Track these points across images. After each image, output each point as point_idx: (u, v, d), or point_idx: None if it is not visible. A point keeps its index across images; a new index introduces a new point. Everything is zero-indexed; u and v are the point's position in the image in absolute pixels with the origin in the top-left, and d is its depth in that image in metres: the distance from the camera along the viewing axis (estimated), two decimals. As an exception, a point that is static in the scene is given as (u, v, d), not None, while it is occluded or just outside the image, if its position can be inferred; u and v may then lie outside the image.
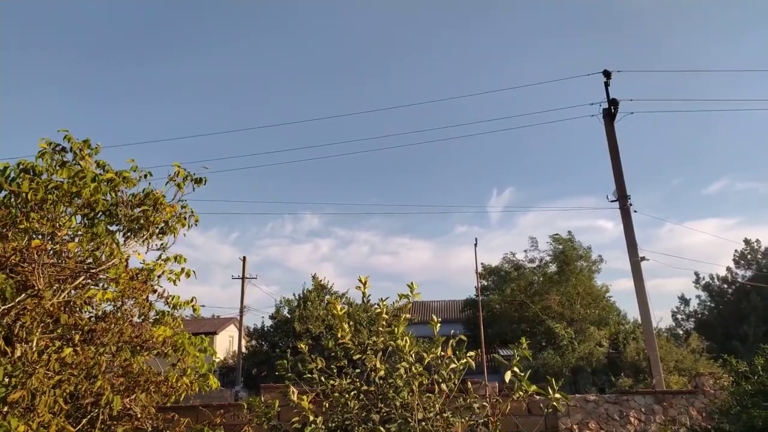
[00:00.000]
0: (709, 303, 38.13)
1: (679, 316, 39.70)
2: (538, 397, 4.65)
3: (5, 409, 4.60)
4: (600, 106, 16.07)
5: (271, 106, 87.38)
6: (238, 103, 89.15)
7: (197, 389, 6.34)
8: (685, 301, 39.75)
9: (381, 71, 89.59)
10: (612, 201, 15.45)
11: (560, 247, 30.15)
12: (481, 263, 33.37)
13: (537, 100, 76.42)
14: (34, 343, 5.18)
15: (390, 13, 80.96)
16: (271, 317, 31.46)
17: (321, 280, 32.09)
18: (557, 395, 4.59)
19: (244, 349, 32.39)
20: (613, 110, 15.83)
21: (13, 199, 5.43)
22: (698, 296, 38.89)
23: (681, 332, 35.89)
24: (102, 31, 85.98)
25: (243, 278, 34.22)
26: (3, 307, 4.99)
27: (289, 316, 30.23)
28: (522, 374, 4.58)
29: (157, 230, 5.97)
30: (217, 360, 6.94)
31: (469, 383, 5.28)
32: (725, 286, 37.24)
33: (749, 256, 36.51)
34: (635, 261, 14.64)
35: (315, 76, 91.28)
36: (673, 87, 73.83)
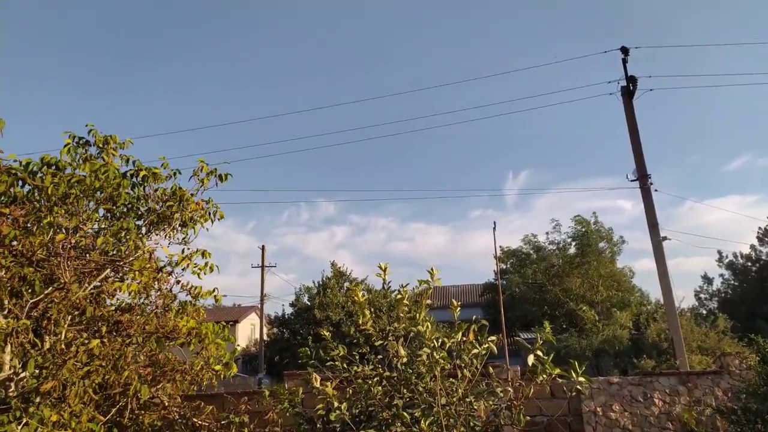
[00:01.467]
0: (732, 281, 37.60)
1: (702, 296, 39.28)
2: (561, 380, 4.62)
3: (37, 399, 4.71)
4: (618, 84, 15.77)
5: (285, 95, 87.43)
6: (251, 92, 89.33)
7: (222, 377, 6.43)
8: (708, 280, 39.29)
9: (394, 56, 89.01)
10: (632, 180, 15.22)
11: (582, 228, 29.86)
12: (500, 246, 33.19)
13: (552, 81, 75.33)
14: (63, 335, 5.28)
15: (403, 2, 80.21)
16: (292, 305, 31.78)
17: (339, 267, 32.25)
18: (581, 378, 4.57)
19: (265, 337, 32.75)
20: (631, 87, 15.51)
21: (36, 194, 5.51)
22: (721, 275, 38.42)
23: (704, 312, 35.48)
24: (114, 25, 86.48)
25: (263, 267, 34.47)
26: (31, 300, 5.09)
27: (309, 303, 30.47)
28: (545, 357, 4.56)
29: (179, 224, 6.04)
30: (239, 348, 7.03)
31: (490, 367, 5.27)
32: (749, 264, 36.67)
33: (774, 233, 35.82)
34: (657, 241, 14.43)
35: (326, 64, 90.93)
36: (691, 64, 72.19)
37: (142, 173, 5.93)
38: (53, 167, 5.64)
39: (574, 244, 30.44)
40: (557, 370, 4.53)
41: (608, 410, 8.61)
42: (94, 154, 5.99)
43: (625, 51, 15.65)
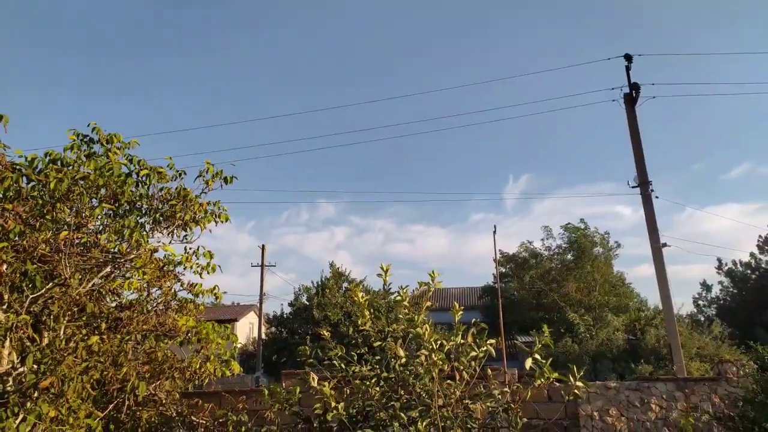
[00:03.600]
0: (731, 289, 37.63)
1: (700, 303, 39.32)
2: (558, 384, 4.65)
3: (35, 394, 4.72)
4: (621, 91, 15.80)
5: (288, 96, 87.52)
6: (253, 93, 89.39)
7: (220, 375, 6.45)
8: (707, 287, 39.32)
9: (397, 60, 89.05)
10: (633, 187, 15.24)
11: (574, 235, 29.98)
12: (500, 250, 33.23)
13: (555, 86, 75.44)
14: (61, 331, 5.30)
15: (410, 7, 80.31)
16: (290, 304, 31.77)
17: (338, 268, 32.27)
18: (578, 382, 4.59)
19: (263, 336, 32.75)
20: (634, 95, 15.56)
21: (39, 190, 5.53)
22: (720, 282, 38.46)
23: (703, 319, 35.47)
24: (112, 27, 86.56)
25: (262, 266, 34.50)
26: (32, 296, 5.10)
27: (307, 303, 30.46)
28: (543, 361, 4.58)
29: (182, 223, 6.06)
30: (237, 346, 7.06)
31: (488, 370, 5.29)
32: (748, 272, 36.68)
33: (774, 242, 35.84)
34: (656, 247, 14.45)
35: (331, 65, 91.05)
36: (695, 72, 72.28)
37: (144, 172, 5.95)
38: (57, 164, 5.66)
39: (568, 250, 30.55)
40: (555, 374, 4.55)
41: (605, 415, 8.62)
42: (98, 152, 6.02)
43: (628, 58, 15.69)
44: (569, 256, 30.40)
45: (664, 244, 14.56)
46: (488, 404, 4.93)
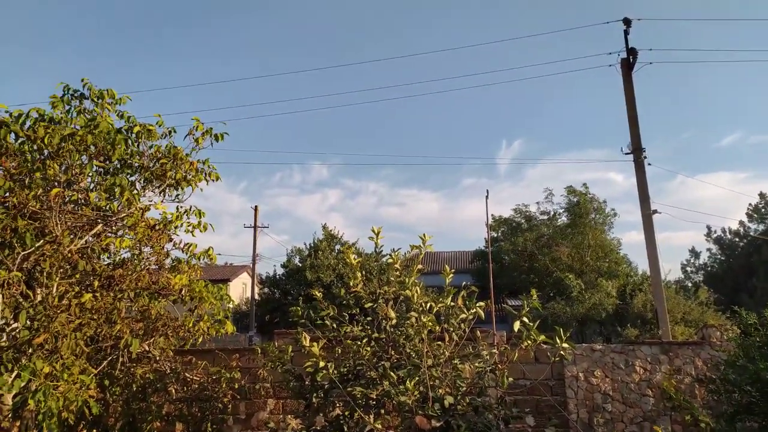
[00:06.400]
0: (719, 256, 38.09)
1: (688, 269, 39.84)
2: (545, 346, 4.74)
3: (30, 351, 4.76)
4: (618, 56, 15.60)
5: (280, 57, 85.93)
6: (246, 53, 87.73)
7: (214, 333, 6.53)
8: (695, 254, 39.80)
9: (392, 22, 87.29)
10: (626, 153, 15.20)
11: (575, 199, 30.02)
12: (492, 215, 33.40)
13: (551, 52, 74.31)
14: (54, 288, 5.31)
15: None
16: (283, 266, 31.91)
17: (331, 230, 32.36)
18: (564, 344, 4.67)
19: (256, 296, 33.04)
20: (631, 60, 15.36)
21: (28, 146, 5.46)
22: (709, 249, 38.90)
23: (690, 285, 35.99)
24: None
25: (255, 227, 34.56)
26: (23, 253, 5.10)
27: (300, 264, 30.63)
28: (531, 324, 4.64)
29: (173, 182, 6.02)
30: (231, 306, 7.13)
31: (477, 332, 5.38)
32: (737, 239, 37.08)
33: (763, 210, 36.13)
34: (647, 214, 14.53)
35: (324, 27, 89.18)
36: (688, 39, 71.32)
37: (136, 129, 5.87)
38: (45, 120, 5.57)
39: (565, 214, 30.69)
40: (542, 337, 4.62)
41: (590, 376, 8.83)
42: (89, 108, 5.93)
43: (627, 22, 15.40)
44: (564, 220, 30.58)
45: (655, 211, 14.64)
46: (476, 365, 5.03)
